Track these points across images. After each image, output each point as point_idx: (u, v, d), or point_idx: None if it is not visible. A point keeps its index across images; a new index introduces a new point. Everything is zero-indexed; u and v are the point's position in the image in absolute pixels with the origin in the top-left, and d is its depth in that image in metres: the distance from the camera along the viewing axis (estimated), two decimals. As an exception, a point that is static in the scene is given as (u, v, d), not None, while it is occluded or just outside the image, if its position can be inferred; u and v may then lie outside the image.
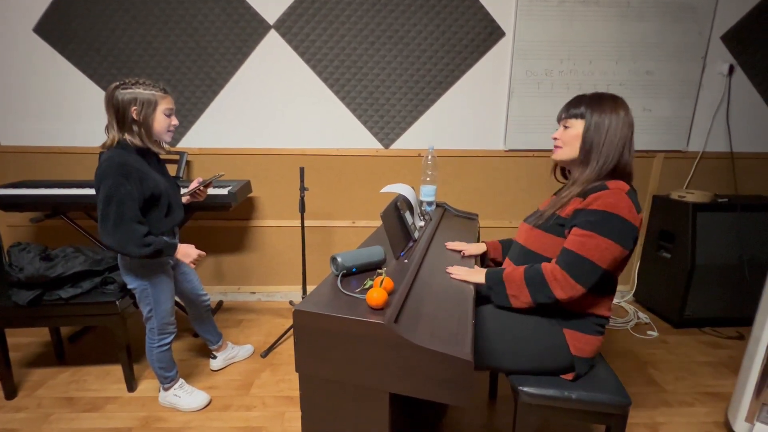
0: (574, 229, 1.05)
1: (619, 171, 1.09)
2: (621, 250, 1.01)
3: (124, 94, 1.32)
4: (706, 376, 1.90)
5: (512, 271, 1.13)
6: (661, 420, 1.62)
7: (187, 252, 1.50)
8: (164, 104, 1.39)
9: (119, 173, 1.31)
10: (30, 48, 2.23)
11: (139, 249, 1.35)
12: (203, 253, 1.54)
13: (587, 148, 1.09)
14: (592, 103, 1.10)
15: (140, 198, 1.37)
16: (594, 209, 1.02)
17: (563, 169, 1.27)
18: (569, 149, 1.14)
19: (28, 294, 1.59)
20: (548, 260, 1.11)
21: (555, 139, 1.18)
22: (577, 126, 1.11)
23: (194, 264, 1.53)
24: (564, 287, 1.03)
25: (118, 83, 1.34)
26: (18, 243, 1.72)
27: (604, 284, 1.09)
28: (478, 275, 1.19)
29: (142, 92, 1.34)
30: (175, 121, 1.44)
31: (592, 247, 1.00)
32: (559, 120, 1.18)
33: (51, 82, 2.28)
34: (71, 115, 2.32)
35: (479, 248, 1.45)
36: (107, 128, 1.38)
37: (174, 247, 1.46)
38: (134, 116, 1.34)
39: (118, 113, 1.34)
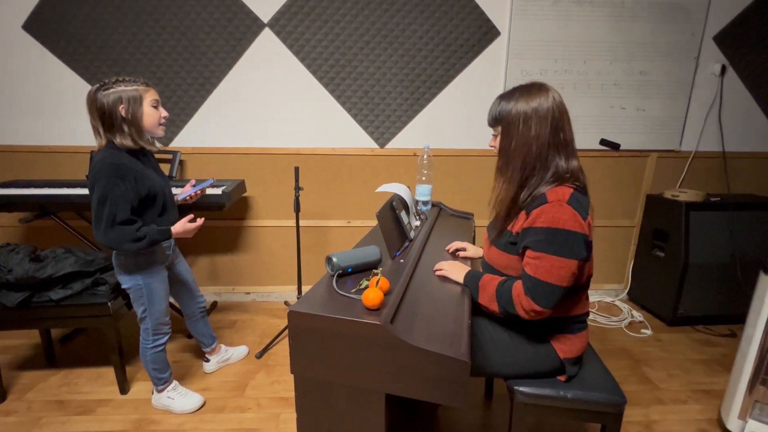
0: (527, 251, 1.02)
1: (561, 176, 1.01)
2: (575, 263, 0.98)
3: (108, 94, 1.30)
4: (700, 374, 1.91)
5: (489, 281, 1.11)
6: (655, 418, 1.63)
7: (184, 230, 1.48)
8: (149, 96, 1.37)
9: (113, 174, 1.30)
10: (19, 45, 2.19)
11: (134, 244, 1.35)
12: (200, 221, 1.52)
13: (502, 153, 1.05)
14: (505, 100, 1.04)
15: (135, 197, 1.36)
16: (539, 227, 0.98)
17: None
18: None
19: (17, 296, 1.56)
20: (512, 277, 1.10)
21: (493, 147, 1.13)
22: (499, 131, 1.07)
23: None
24: (527, 311, 1.01)
25: (98, 85, 1.32)
26: (7, 244, 1.69)
27: (570, 292, 1.06)
28: (459, 274, 1.18)
29: (125, 89, 1.32)
30: (164, 113, 1.43)
31: (547, 268, 0.97)
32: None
33: (41, 80, 2.24)
34: (61, 113, 2.29)
35: (479, 252, 1.45)
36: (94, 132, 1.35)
37: (168, 231, 1.45)
38: (123, 114, 1.32)
39: (105, 115, 1.32)
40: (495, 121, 1.08)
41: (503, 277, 1.11)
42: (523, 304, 1.01)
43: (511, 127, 1.03)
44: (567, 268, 0.98)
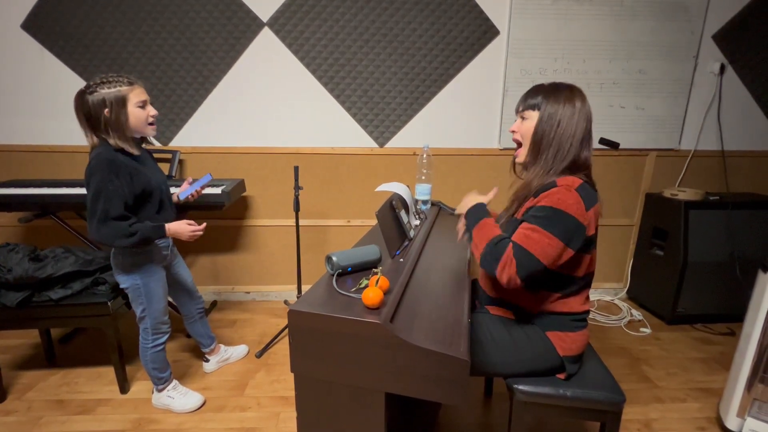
0: (523, 224, 1.04)
1: (577, 167, 1.07)
2: (563, 248, 0.99)
3: (93, 97, 1.29)
4: (698, 372, 1.92)
5: (486, 232, 1.06)
6: (654, 416, 1.63)
7: (178, 230, 1.44)
8: (134, 97, 1.34)
9: (108, 169, 1.30)
10: (18, 45, 2.18)
11: (126, 239, 1.34)
12: (199, 228, 1.47)
13: (538, 140, 1.08)
14: (548, 94, 1.08)
15: (131, 194, 1.36)
16: (542, 205, 1.02)
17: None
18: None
19: (16, 295, 1.56)
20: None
21: (513, 132, 1.14)
22: (534, 117, 1.09)
23: (191, 239, 1.47)
24: (509, 276, 0.98)
25: (83, 88, 1.30)
26: (6, 243, 1.69)
27: (568, 284, 1.09)
28: (464, 209, 1.17)
29: (108, 91, 1.30)
30: (152, 112, 1.39)
31: (536, 240, 0.99)
32: (517, 111, 1.15)
33: (40, 80, 2.23)
34: (60, 113, 2.28)
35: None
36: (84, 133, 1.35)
37: (162, 228, 1.42)
38: (107, 116, 1.31)
39: (91, 119, 1.31)
40: (533, 106, 1.09)
41: (504, 234, 1.07)
42: (508, 266, 0.98)
43: (555, 115, 1.06)
44: (554, 247, 0.99)
